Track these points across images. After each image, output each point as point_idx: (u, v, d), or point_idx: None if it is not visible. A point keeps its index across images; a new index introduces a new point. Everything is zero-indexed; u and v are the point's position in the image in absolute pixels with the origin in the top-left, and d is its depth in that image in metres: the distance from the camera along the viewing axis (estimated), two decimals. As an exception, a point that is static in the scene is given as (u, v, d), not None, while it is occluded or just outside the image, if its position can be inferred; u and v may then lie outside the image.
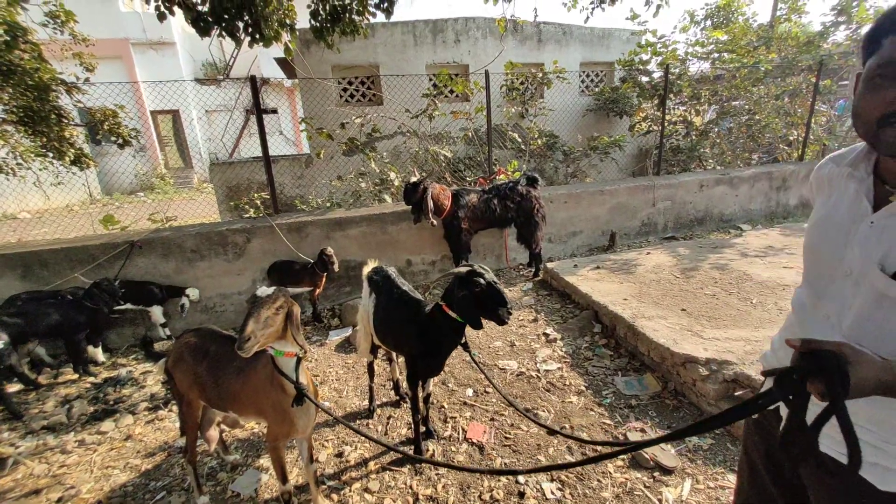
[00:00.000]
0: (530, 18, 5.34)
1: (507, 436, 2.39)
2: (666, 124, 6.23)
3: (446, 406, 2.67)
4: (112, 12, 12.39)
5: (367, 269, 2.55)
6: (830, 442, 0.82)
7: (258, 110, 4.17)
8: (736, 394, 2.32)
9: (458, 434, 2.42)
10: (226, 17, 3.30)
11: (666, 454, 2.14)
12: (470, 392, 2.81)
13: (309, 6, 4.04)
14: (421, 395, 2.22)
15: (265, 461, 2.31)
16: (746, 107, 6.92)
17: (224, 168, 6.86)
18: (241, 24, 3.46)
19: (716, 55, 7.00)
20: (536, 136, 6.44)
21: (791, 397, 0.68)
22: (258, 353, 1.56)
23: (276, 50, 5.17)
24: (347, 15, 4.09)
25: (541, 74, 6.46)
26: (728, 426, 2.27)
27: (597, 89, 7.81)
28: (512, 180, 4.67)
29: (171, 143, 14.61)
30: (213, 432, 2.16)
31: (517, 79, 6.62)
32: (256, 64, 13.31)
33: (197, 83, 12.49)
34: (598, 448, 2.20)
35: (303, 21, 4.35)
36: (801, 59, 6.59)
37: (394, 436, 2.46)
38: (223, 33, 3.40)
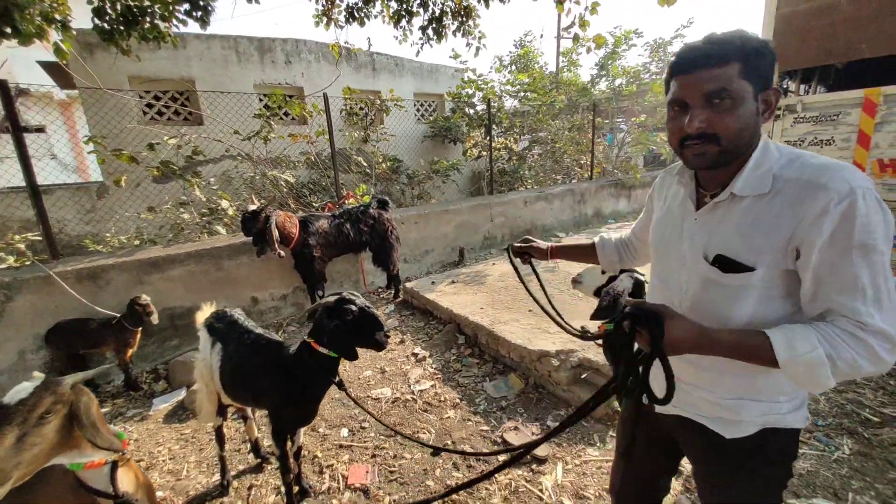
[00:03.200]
0: (364, 47, 5.44)
1: (392, 469, 2.25)
2: (493, 150, 7.09)
3: (320, 455, 2.38)
4: None
5: (202, 316, 2.12)
6: (688, 406, 1.00)
7: (15, 127, 3.14)
8: (582, 376, 2.69)
9: (339, 482, 2.17)
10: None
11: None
12: (345, 432, 2.57)
13: (91, 2, 3.29)
14: (291, 450, 1.92)
15: None
16: (549, 137, 8.41)
17: (-44, 204, 4.93)
18: (-21, 11, 2.58)
19: (522, 94, 8.34)
20: (381, 160, 6.54)
21: (624, 345, 0.81)
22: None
23: (43, 50, 4.03)
24: (149, 19, 3.47)
25: (378, 101, 6.62)
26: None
27: (431, 118, 8.43)
28: (362, 204, 4.60)
29: None
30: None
31: (356, 104, 6.65)
32: (8, 68, 10.17)
33: None
34: (488, 458, 2.25)
35: (85, 20, 3.52)
36: (581, 101, 8.38)
37: (259, 508, 2.06)
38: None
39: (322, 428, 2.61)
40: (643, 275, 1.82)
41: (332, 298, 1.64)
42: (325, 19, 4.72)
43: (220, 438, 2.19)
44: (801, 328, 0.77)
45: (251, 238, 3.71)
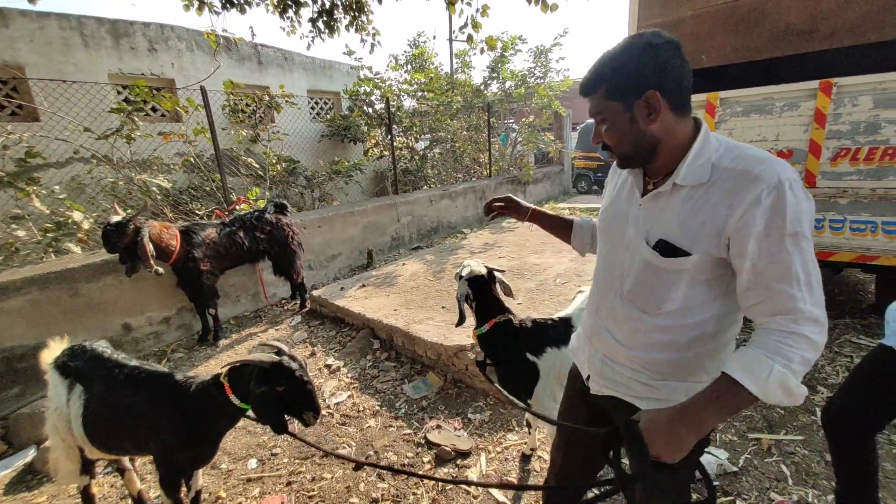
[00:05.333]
0: (247, 37, 4.94)
1: (311, 494, 2.08)
2: (395, 150, 7.02)
3: (224, 494, 2.10)
4: None
5: (50, 355, 1.74)
6: (618, 387, 1.07)
7: None
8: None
9: (249, 522, 1.94)
10: None
11: (461, 439, 2.34)
12: (253, 463, 2.31)
13: None
14: (187, 496, 1.65)
15: None
16: (448, 137, 8.61)
17: None
18: None
19: (420, 93, 8.40)
20: (275, 161, 6.05)
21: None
22: None
23: None
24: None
25: (268, 97, 6.11)
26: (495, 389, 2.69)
27: (328, 117, 8.04)
28: (257, 209, 4.21)
29: None
30: None
31: (241, 100, 6.05)
32: None
33: None
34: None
35: None
36: (475, 101, 8.72)
37: (149, 573, 1.75)
38: None
39: (224, 463, 2.31)
40: (479, 265, 1.94)
41: (267, 359, 1.42)
42: (196, 3, 4.18)
43: (89, 501, 1.81)
44: (749, 353, 0.80)
45: (117, 255, 3.15)
